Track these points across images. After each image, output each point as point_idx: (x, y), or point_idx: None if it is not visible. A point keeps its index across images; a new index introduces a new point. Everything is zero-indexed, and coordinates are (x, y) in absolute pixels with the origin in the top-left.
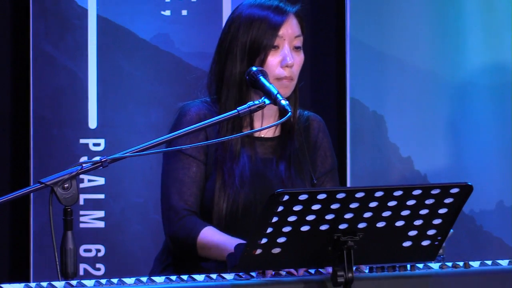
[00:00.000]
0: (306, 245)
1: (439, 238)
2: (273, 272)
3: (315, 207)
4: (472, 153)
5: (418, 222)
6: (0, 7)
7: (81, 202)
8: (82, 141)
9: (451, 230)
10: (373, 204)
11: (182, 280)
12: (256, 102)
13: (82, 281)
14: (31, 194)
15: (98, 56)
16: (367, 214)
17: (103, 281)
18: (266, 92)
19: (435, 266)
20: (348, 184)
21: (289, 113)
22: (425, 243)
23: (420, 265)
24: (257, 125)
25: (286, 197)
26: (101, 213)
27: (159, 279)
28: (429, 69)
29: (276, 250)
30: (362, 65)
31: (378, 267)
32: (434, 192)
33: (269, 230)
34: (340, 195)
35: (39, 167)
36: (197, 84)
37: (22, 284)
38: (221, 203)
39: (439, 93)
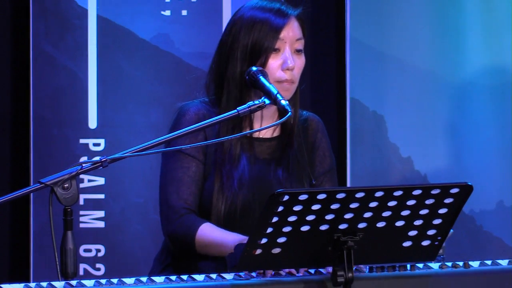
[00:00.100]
0: (306, 245)
1: (439, 238)
2: (273, 272)
3: (315, 207)
4: (472, 153)
5: (418, 222)
6: (0, 7)
7: (81, 202)
8: (82, 141)
9: (451, 230)
10: (373, 204)
11: (182, 280)
12: (256, 102)
13: (82, 281)
14: (31, 194)
15: (98, 56)
16: (367, 214)
17: (103, 281)
18: (266, 92)
19: (435, 266)
20: (348, 184)
21: (289, 113)
22: (425, 243)
23: (420, 265)
24: (256, 126)
25: (286, 197)
26: (101, 213)
27: (159, 279)
28: (429, 69)
29: (276, 250)
30: (362, 65)
31: (378, 267)
32: (434, 192)
33: (269, 230)
34: (340, 195)
35: (39, 167)
36: (197, 84)
37: (22, 284)
38: (219, 205)
39: (439, 93)
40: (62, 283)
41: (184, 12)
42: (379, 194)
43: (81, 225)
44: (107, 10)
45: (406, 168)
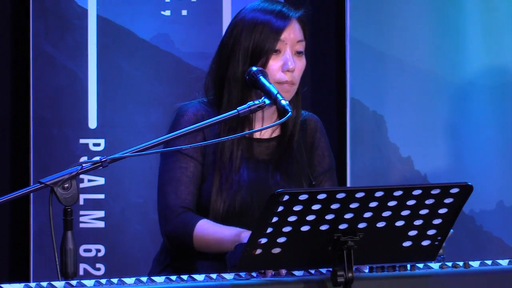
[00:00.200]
0: (306, 245)
1: (439, 238)
2: (273, 272)
3: (315, 207)
4: (472, 153)
5: (418, 222)
6: (0, 7)
7: (81, 202)
8: (82, 141)
9: (451, 230)
10: (373, 204)
11: (182, 280)
12: (256, 102)
13: (82, 281)
14: (31, 194)
15: (98, 56)
16: (367, 214)
17: (103, 281)
18: (266, 92)
19: (435, 266)
20: (348, 184)
21: (289, 113)
22: (425, 243)
23: (420, 265)
24: (256, 126)
25: (286, 197)
26: (101, 213)
27: (159, 279)
28: (429, 69)
29: (276, 250)
30: (362, 65)
31: (378, 267)
32: (434, 192)
33: (269, 230)
34: (340, 195)
35: (39, 167)
36: (197, 84)
37: (22, 284)
38: (217, 205)
39: (439, 93)
40: (62, 283)
41: (184, 12)
42: (379, 194)
43: (81, 225)
44: (107, 10)
45: (406, 168)
